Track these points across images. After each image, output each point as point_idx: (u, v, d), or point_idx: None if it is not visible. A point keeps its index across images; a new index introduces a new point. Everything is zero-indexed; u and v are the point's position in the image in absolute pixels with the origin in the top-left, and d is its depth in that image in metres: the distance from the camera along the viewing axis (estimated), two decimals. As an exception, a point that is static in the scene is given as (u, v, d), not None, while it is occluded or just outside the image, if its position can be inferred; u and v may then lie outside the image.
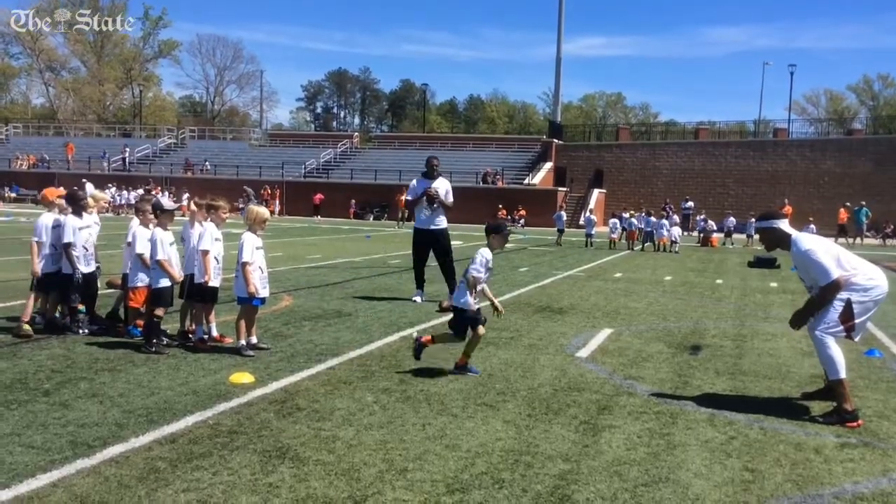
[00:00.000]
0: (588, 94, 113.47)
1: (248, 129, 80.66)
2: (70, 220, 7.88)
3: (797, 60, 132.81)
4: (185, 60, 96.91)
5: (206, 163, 55.57)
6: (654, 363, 7.53)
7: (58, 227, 7.93)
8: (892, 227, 38.41)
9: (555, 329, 9.28)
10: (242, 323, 7.31)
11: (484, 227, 7.22)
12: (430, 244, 11.14)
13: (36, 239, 7.95)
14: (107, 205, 9.33)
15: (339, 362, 7.05)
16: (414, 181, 11.38)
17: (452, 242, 11.64)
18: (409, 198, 11.43)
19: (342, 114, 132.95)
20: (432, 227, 11.07)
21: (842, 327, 5.69)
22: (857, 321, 5.70)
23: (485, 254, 6.74)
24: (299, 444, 4.74)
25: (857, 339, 5.93)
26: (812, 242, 5.87)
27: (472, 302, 6.67)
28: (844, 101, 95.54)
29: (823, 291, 5.69)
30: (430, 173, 11.17)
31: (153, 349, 7.17)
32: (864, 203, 35.21)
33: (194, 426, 5.03)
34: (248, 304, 7.36)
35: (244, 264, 7.25)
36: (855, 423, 5.52)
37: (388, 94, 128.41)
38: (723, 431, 5.31)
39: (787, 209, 32.83)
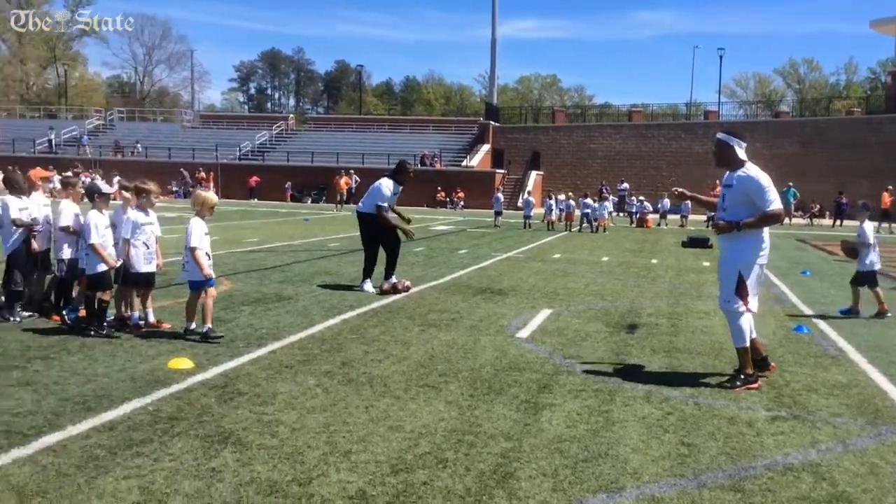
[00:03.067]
0: (524, 76, 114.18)
1: (179, 110, 78.47)
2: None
3: (725, 44, 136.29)
4: (113, 40, 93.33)
5: (138, 144, 54.03)
6: (592, 342, 7.68)
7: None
8: (818, 206, 39.80)
9: (495, 310, 9.37)
10: (209, 304, 7.21)
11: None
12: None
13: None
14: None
15: (280, 346, 7.00)
16: (384, 186, 10.58)
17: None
18: (383, 204, 10.54)
19: (276, 95, 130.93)
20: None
21: (741, 302, 6.04)
22: (749, 291, 6.05)
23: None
24: (241, 429, 4.70)
25: (754, 309, 6.17)
26: (763, 173, 6.10)
27: None
28: (772, 84, 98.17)
29: (762, 216, 5.94)
30: (401, 177, 10.75)
31: (104, 332, 7.11)
32: (791, 184, 36.33)
33: (133, 413, 4.94)
34: (199, 289, 7.24)
35: (193, 249, 7.13)
36: (755, 385, 6.00)
37: (322, 76, 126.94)
38: (659, 407, 5.46)
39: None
